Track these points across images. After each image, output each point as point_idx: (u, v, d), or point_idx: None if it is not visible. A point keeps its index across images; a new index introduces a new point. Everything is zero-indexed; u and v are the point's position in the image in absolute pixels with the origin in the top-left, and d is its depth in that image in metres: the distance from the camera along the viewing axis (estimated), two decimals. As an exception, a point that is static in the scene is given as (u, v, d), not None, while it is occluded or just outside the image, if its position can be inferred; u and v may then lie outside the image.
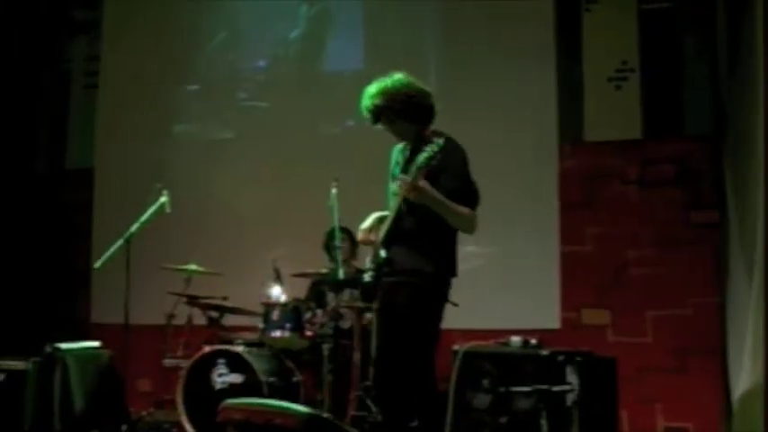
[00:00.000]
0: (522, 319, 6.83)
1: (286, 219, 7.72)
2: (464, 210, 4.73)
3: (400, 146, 5.02)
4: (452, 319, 5.92)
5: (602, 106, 7.11)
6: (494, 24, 7.38)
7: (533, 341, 5.54)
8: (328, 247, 7.05)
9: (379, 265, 4.82)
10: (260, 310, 6.56)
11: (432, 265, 4.73)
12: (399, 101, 4.80)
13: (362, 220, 5.13)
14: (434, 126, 5.49)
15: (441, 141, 4.59)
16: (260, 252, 7.54)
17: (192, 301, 6.61)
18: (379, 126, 4.94)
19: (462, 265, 4.91)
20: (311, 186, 7.52)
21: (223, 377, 6.10)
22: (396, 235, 4.76)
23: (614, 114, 7.08)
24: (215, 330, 6.63)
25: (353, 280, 6.59)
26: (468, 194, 4.80)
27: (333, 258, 6.91)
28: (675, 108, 6.96)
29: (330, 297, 6.90)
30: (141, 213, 6.64)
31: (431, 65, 7.58)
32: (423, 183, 4.58)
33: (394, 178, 4.93)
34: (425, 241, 4.73)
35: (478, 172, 4.92)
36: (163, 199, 6.66)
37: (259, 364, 6.04)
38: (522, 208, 7.12)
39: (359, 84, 5.81)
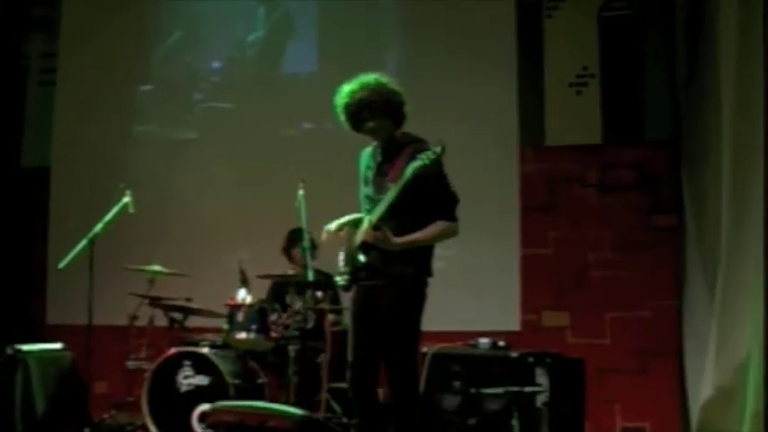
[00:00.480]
0: (482, 321, 6.89)
1: (246, 220, 7.70)
2: (435, 229, 4.75)
3: (369, 149, 5.02)
4: None
5: (563, 111, 7.21)
6: (456, 29, 7.41)
7: (501, 343, 5.60)
8: (287, 249, 7.08)
9: (356, 269, 4.83)
10: (223, 311, 6.53)
11: (411, 267, 4.75)
12: (384, 95, 4.80)
13: (323, 221, 5.03)
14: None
15: (438, 149, 4.59)
16: (220, 253, 7.59)
17: (155, 302, 6.55)
18: (348, 127, 4.91)
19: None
20: (272, 187, 7.60)
21: (189, 379, 6.06)
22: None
23: (575, 119, 7.18)
24: (177, 332, 6.59)
25: (317, 282, 6.62)
26: (452, 203, 4.85)
27: (292, 260, 6.97)
28: (635, 114, 7.09)
29: (289, 298, 6.88)
30: (99, 213, 6.57)
31: (391, 67, 7.60)
32: (382, 235, 4.63)
33: (366, 182, 4.95)
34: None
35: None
36: (126, 199, 6.61)
37: (225, 366, 6.02)
38: (484, 211, 7.13)
39: (317, 86, 6.40)
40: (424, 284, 4.83)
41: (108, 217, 6.51)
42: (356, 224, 4.90)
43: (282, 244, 7.11)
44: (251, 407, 3.99)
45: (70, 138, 8.15)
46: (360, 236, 4.70)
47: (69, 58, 8.21)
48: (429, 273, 4.87)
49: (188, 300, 6.56)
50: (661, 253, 6.95)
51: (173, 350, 6.18)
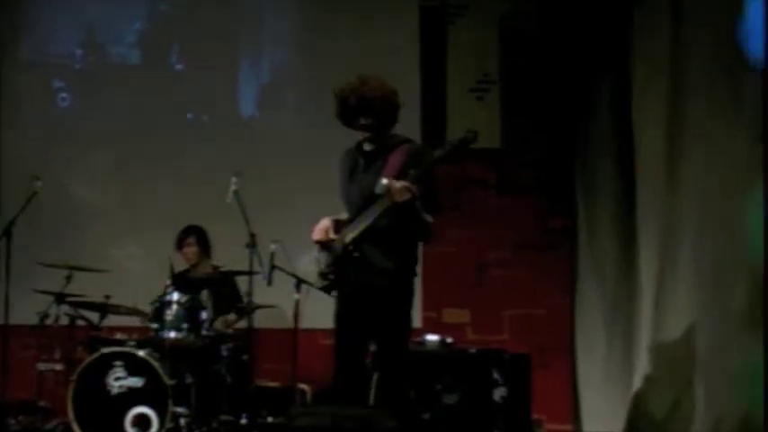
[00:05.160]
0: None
1: (133, 212, 7.48)
2: (429, 218, 4.88)
3: (351, 150, 5.06)
4: (316, 318, 6.10)
5: (464, 116, 7.43)
6: (358, 33, 7.49)
7: (449, 339, 5.76)
8: (180, 246, 6.99)
9: (345, 269, 4.83)
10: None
11: (407, 264, 4.91)
12: (385, 95, 4.86)
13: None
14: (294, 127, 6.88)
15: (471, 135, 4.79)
16: (106, 247, 7.33)
17: (68, 300, 6.23)
18: (340, 119, 4.92)
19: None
20: (164, 181, 7.43)
21: (120, 381, 5.82)
22: (370, 235, 4.79)
23: (476, 124, 7.37)
24: (88, 331, 6.31)
25: (213, 279, 6.58)
26: (438, 202, 4.97)
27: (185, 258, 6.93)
28: (532, 120, 7.42)
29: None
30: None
31: (291, 74, 7.67)
32: (414, 188, 4.69)
33: (354, 180, 4.96)
34: (400, 241, 4.83)
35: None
36: (37, 190, 6.26)
37: (161, 367, 5.83)
38: (388, 210, 7.29)
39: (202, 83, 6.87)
40: (414, 278, 4.98)
41: (21, 209, 6.14)
42: (338, 223, 4.94)
43: (175, 240, 7.01)
44: (345, 408, 3.89)
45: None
46: (396, 195, 4.65)
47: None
48: (416, 272, 5.02)
49: (107, 297, 6.27)
50: (556, 253, 7.35)
51: (104, 350, 5.91)
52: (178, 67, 7.75)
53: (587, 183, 7.21)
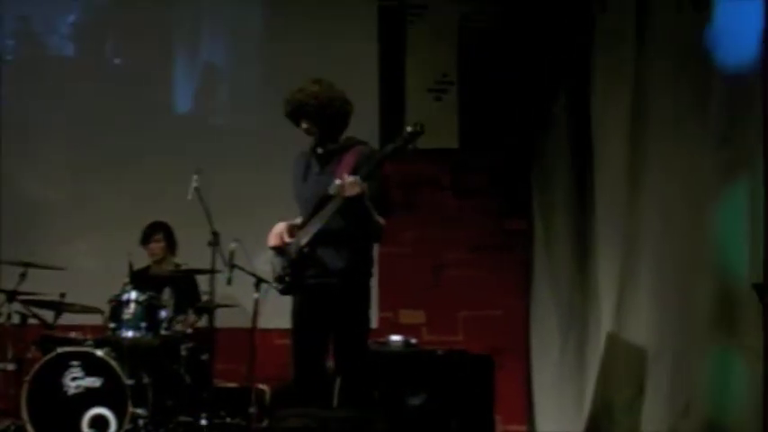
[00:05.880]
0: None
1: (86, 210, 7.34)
2: (380, 220, 4.87)
3: (304, 153, 5.03)
4: (272, 318, 6.07)
5: (422, 115, 7.39)
6: (318, 32, 7.42)
7: (413, 340, 5.76)
8: (145, 242, 6.88)
9: (301, 270, 4.79)
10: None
11: (361, 264, 4.90)
12: (321, 101, 4.82)
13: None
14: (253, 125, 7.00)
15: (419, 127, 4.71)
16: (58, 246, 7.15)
17: (21, 298, 6.08)
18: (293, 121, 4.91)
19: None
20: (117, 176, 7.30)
21: (77, 381, 5.71)
22: (324, 236, 4.76)
23: (433, 124, 7.37)
24: (40, 330, 6.18)
25: (174, 277, 6.50)
26: (388, 203, 4.95)
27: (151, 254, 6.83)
28: (489, 121, 7.43)
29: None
30: None
31: (254, 71, 7.59)
32: (364, 185, 4.67)
33: (307, 182, 4.93)
34: (353, 242, 4.82)
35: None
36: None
37: (120, 367, 5.72)
38: (345, 210, 7.25)
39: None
40: (369, 278, 5.01)
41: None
42: (293, 228, 4.91)
43: (141, 236, 6.89)
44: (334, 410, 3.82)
45: None
46: (347, 189, 4.63)
47: None
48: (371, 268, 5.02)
49: (62, 295, 6.13)
50: (512, 254, 7.37)
51: (59, 350, 5.78)
52: (117, 61, 7.63)
53: (543, 185, 7.25)
